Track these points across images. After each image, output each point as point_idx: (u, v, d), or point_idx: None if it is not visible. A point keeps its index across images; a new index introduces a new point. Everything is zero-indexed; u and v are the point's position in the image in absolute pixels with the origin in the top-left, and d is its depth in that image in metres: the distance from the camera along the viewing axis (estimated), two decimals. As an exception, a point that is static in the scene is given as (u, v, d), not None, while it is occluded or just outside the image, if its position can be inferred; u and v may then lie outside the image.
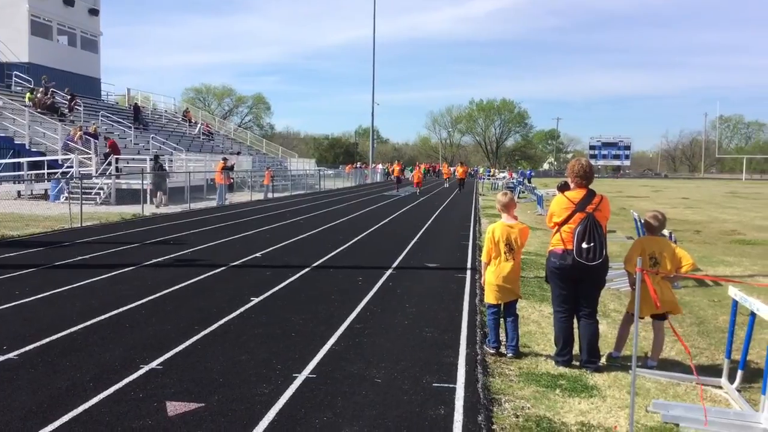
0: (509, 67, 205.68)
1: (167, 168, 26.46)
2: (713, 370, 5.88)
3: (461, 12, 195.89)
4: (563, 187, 6.06)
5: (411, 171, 65.16)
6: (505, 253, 6.13)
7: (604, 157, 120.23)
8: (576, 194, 5.77)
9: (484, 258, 6.30)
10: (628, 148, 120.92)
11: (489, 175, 61.50)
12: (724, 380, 5.51)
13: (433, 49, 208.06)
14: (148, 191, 23.43)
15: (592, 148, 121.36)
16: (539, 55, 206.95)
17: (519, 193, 35.76)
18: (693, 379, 5.61)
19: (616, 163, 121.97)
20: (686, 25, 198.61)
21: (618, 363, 5.98)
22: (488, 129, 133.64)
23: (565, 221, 5.72)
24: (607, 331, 7.05)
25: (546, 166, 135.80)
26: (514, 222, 6.24)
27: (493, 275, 6.15)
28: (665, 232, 10.35)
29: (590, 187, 5.83)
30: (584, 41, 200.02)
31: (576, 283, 5.76)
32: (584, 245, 5.54)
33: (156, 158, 25.34)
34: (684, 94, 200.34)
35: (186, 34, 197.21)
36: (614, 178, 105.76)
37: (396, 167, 45.03)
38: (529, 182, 48.31)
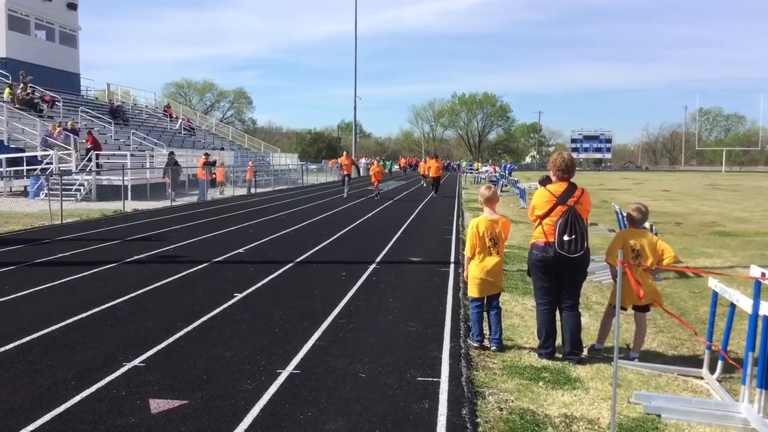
0: (491, 61, 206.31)
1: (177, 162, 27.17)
2: (694, 361, 5.94)
3: (442, 6, 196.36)
4: (545, 181, 6.10)
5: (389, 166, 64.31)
6: (489, 247, 6.15)
7: (586, 150, 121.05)
8: (558, 187, 5.81)
9: (468, 252, 6.30)
10: (609, 141, 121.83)
11: (471, 169, 61.55)
12: (704, 371, 5.58)
13: (414, 43, 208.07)
14: (167, 185, 25.10)
15: (573, 141, 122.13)
16: (520, 49, 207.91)
17: (501, 186, 35.89)
18: (674, 370, 5.68)
19: (598, 156, 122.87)
20: (665, 19, 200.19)
21: (601, 355, 6.03)
22: (470, 123, 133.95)
23: (547, 214, 5.76)
24: (590, 324, 7.10)
25: (528, 159, 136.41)
26: (496, 216, 6.26)
27: (477, 269, 6.17)
28: (646, 224, 10.46)
29: (572, 180, 5.87)
30: (564, 35, 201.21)
31: (558, 275, 5.80)
32: (566, 237, 5.58)
33: (171, 154, 27.23)
34: (664, 87, 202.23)
35: (166, 29, 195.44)
36: (596, 171, 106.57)
37: (344, 160, 30.10)
38: (510, 175, 48.49)
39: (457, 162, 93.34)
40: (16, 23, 35.14)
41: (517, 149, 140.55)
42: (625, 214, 6.41)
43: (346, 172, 29.36)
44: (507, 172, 53.93)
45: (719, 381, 5.37)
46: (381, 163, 61.54)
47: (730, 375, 5.48)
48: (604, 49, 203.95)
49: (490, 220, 6.20)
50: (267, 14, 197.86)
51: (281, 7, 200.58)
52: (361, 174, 46.55)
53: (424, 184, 37.70)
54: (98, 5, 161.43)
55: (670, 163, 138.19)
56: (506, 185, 37.77)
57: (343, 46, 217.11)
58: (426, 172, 36.40)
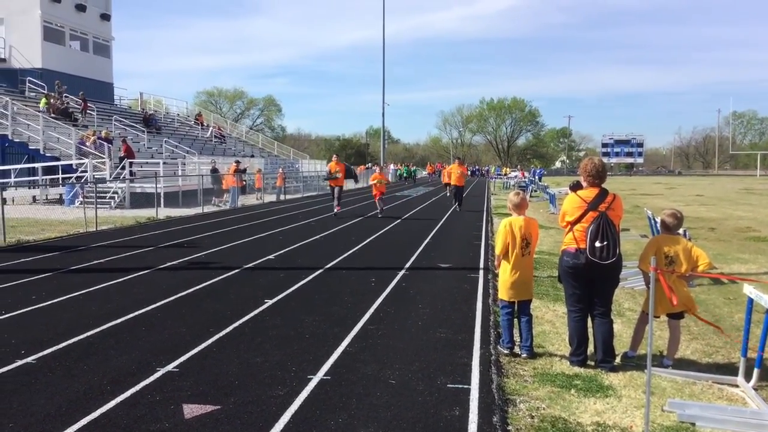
0: (519, 66, 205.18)
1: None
2: (729, 369, 5.84)
3: (471, 11, 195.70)
4: (576, 187, 6.04)
5: (410, 172, 61.09)
6: (522, 248, 6.13)
7: (617, 154, 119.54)
8: (589, 193, 5.76)
9: (498, 250, 6.17)
10: (641, 145, 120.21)
11: (499, 174, 61.24)
12: (740, 379, 5.47)
13: (443, 48, 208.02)
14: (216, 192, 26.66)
15: (604, 145, 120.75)
16: (549, 52, 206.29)
17: (531, 192, 35.65)
18: (709, 378, 5.59)
19: (629, 160, 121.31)
20: (698, 20, 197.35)
21: (633, 362, 5.96)
22: (499, 128, 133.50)
23: (578, 220, 5.71)
24: (622, 330, 7.03)
25: (558, 164, 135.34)
26: (529, 218, 6.27)
27: (508, 272, 6.13)
28: (680, 230, 10.30)
29: (603, 186, 5.82)
30: (595, 38, 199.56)
31: (589, 282, 5.74)
32: (597, 244, 5.53)
33: (213, 162, 29.40)
34: (696, 90, 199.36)
35: (197, 38, 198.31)
36: (627, 175, 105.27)
37: (332, 166, 22.09)
38: (540, 181, 48.12)
39: (486, 167, 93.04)
40: (52, 34, 35.93)
41: (547, 154, 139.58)
42: (658, 220, 6.33)
43: (335, 185, 21.27)
44: (537, 177, 53.58)
45: (755, 389, 5.26)
46: (404, 169, 58.12)
47: (767, 383, 5.38)
48: (634, 51, 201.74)
49: (524, 220, 6.18)
50: (295, 22, 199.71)
51: (309, 14, 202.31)
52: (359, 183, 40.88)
53: (447, 194, 31.89)
54: (131, 16, 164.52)
55: (704, 168, 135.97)
56: (536, 190, 37.52)
57: (371, 53, 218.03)
58: (448, 180, 29.08)
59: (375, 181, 22.19)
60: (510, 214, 6.39)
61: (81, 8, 38.11)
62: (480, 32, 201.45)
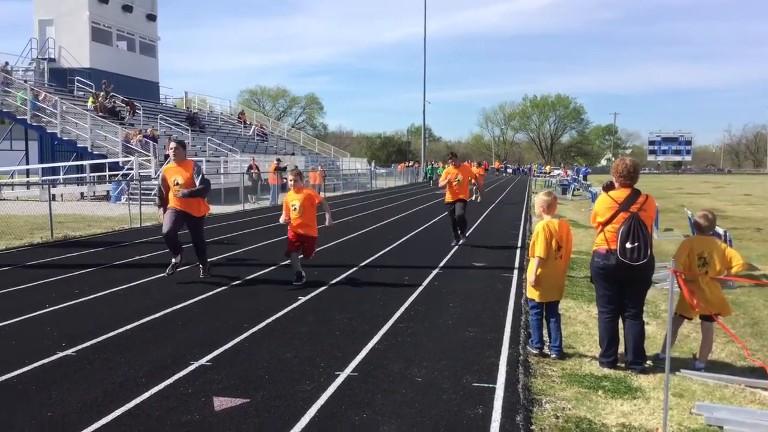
0: (564, 62, 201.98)
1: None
2: (764, 373, 5.72)
3: (513, 6, 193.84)
4: (608, 187, 6.00)
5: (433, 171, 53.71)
6: (556, 250, 6.11)
7: (664, 152, 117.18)
8: (620, 194, 5.71)
9: (541, 253, 6.04)
10: (689, 143, 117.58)
11: (541, 172, 60.57)
12: (774, 383, 5.37)
13: (485, 45, 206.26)
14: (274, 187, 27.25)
15: (651, 143, 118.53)
16: (595, 48, 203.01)
17: (573, 190, 35.22)
18: (741, 381, 5.50)
19: (677, 158, 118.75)
20: (747, 15, 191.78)
21: (664, 364, 5.88)
22: (542, 125, 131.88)
23: (609, 221, 5.67)
24: (656, 332, 6.96)
25: (603, 162, 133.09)
26: (562, 220, 6.25)
27: (541, 273, 6.10)
28: (719, 230, 10.12)
29: (635, 186, 5.77)
30: (641, 33, 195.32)
31: (621, 283, 5.70)
32: (628, 245, 5.48)
33: (278, 161, 29.53)
34: (747, 87, 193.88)
35: (241, 37, 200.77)
36: (675, 174, 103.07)
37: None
38: (585, 179, 47.46)
39: (528, 165, 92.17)
40: (99, 35, 36.86)
41: (592, 152, 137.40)
42: (692, 221, 6.23)
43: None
44: (582, 175, 52.87)
45: (791, 394, 5.17)
46: (428, 168, 54.40)
47: (803, 388, 5.27)
48: (683, 47, 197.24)
49: (558, 222, 6.16)
50: (338, 20, 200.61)
51: (352, 12, 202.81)
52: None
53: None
54: (176, 16, 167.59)
55: (754, 166, 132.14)
56: (578, 189, 37.05)
57: (413, 50, 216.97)
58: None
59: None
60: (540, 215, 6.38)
61: (128, 9, 38.99)
62: (522, 28, 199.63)
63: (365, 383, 5.29)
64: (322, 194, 31.70)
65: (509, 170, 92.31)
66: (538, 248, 6.09)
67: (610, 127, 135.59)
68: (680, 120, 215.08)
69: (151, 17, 42.16)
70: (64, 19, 35.75)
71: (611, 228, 5.64)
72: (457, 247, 13.32)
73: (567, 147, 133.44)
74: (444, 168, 17.57)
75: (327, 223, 9.77)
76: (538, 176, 57.40)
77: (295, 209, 9.36)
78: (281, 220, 9.50)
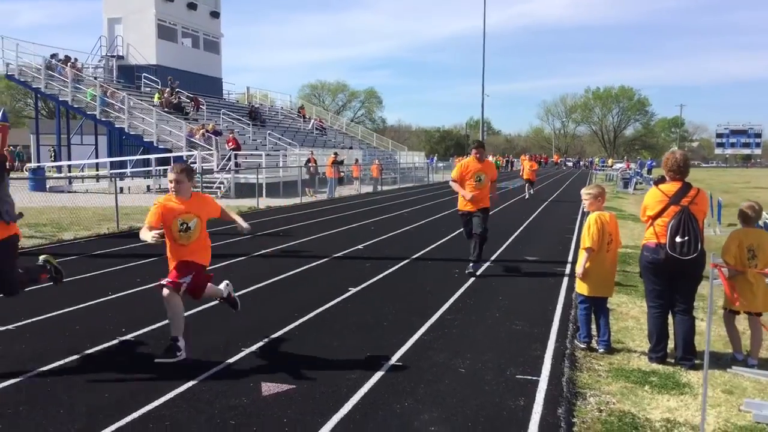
0: (628, 53, 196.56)
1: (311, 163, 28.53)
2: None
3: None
4: (659, 181, 5.91)
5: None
6: (606, 243, 6.06)
7: (733, 145, 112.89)
8: (670, 187, 5.62)
9: (591, 244, 5.98)
10: (759, 135, 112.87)
11: (603, 166, 59.26)
12: (833, 383, 5.21)
13: (546, 37, 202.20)
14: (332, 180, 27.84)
15: (719, 135, 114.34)
16: (660, 38, 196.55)
17: (635, 184, 34.39)
18: (798, 381, 5.34)
19: (746, 151, 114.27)
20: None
21: (737, 364, 5.74)
22: (605, 118, 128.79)
23: (659, 215, 5.59)
24: (714, 329, 6.80)
25: (688, 158, 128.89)
26: (611, 213, 6.20)
27: (591, 266, 6.05)
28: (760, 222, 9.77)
29: (686, 180, 5.66)
30: (709, 22, 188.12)
31: (670, 278, 5.61)
32: (678, 239, 5.39)
33: (336, 155, 29.71)
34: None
35: (301, 32, 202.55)
36: (744, 167, 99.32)
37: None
38: (649, 173, 46.22)
39: (590, 159, 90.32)
40: (165, 32, 37.92)
41: (657, 145, 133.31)
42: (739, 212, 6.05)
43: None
44: (647, 169, 51.54)
45: None
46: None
47: None
48: (754, 37, 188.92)
49: (609, 215, 6.12)
50: (396, 14, 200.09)
51: (410, 6, 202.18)
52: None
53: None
54: (239, 13, 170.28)
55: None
56: (640, 183, 36.15)
57: (471, 42, 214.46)
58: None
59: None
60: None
61: (192, 7, 39.97)
62: (585, 19, 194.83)
63: (409, 373, 5.37)
64: (379, 188, 32.02)
65: (569, 164, 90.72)
66: (588, 239, 6.03)
67: (676, 120, 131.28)
68: (750, 112, 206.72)
69: (215, 14, 43.11)
70: (131, 18, 36.92)
71: (661, 222, 5.56)
72: (512, 239, 13.24)
73: (631, 140, 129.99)
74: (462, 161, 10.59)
75: (241, 225, 7.13)
76: (599, 170, 56.16)
77: (183, 230, 6.15)
78: (148, 237, 5.97)
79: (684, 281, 5.62)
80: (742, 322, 6.09)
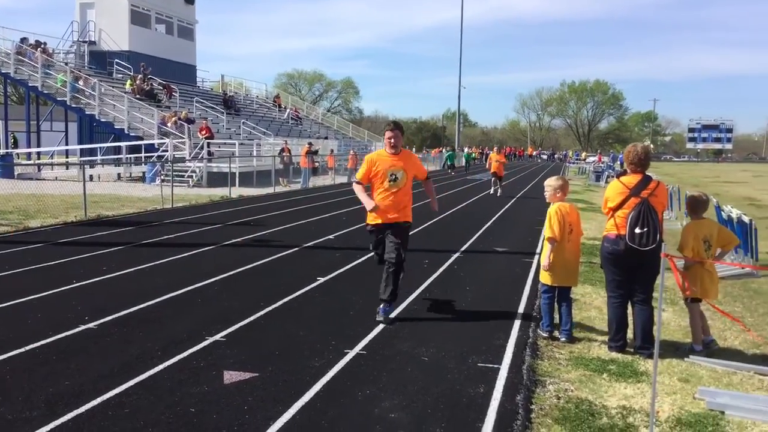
0: (603, 47, 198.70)
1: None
2: (777, 360, 5.70)
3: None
4: (622, 174, 6.01)
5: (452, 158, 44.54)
6: (568, 233, 6.15)
7: (704, 140, 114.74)
8: (631, 179, 5.72)
9: (553, 234, 6.05)
10: (730, 130, 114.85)
11: (578, 159, 59.79)
12: (785, 371, 5.35)
13: (523, 30, 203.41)
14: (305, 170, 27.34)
15: (691, 130, 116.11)
16: (636, 33, 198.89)
17: (606, 178, 34.76)
18: (751, 369, 5.48)
19: (717, 146, 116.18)
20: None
21: (702, 352, 5.85)
22: (580, 111, 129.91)
23: (620, 206, 5.68)
24: (671, 319, 6.96)
25: (650, 151, 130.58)
26: (571, 204, 6.30)
27: (554, 256, 6.14)
28: (744, 219, 9.99)
29: (647, 172, 5.77)
30: (684, 18, 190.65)
31: (630, 268, 5.71)
32: (637, 230, 5.49)
33: (310, 144, 29.62)
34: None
35: (279, 20, 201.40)
36: (715, 162, 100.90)
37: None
38: (622, 167, 46.70)
39: (565, 152, 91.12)
40: (138, 18, 37.39)
41: (630, 139, 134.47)
42: (727, 208, 6.23)
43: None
44: (619, 162, 52.04)
45: (800, 383, 5.14)
46: (447, 154, 45.91)
47: (813, 377, 5.24)
48: (727, 33, 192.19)
49: (568, 205, 6.21)
50: (375, 4, 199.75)
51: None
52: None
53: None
54: (215, 0, 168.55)
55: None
56: (612, 176, 36.54)
57: (450, 34, 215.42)
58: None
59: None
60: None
61: (166, -8, 39.48)
62: (563, 13, 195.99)
63: (373, 361, 5.41)
64: (354, 178, 31.92)
65: (543, 156, 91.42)
66: (549, 230, 6.14)
67: (650, 114, 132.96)
68: (722, 107, 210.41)
69: (190, 0, 42.58)
70: (104, 3, 36.34)
71: (621, 213, 5.66)
72: (482, 230, 13.35)
73: (605, 134, 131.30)
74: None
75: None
76: (573, 163, 56.67)
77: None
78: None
79: (643, 272, 5.72)
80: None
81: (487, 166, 26.52)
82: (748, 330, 6.48)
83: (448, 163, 44.26)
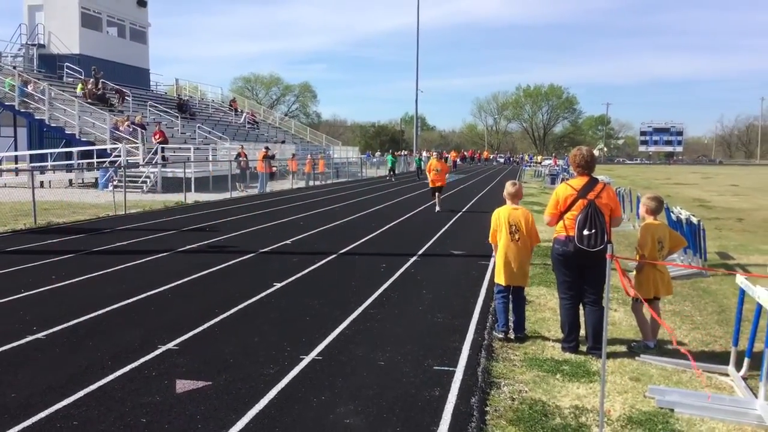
0: (558, 52, 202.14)
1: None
2: (724, 358, 5.84)
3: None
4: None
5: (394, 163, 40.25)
6: (510, 233, 6.26)
7: (656, 143, 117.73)
8: (578, 182, 5.84)
9: (490, 238, 6.51)
10: (680, 134, 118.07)
11: (531, 161, 60.64)
12: (730, 368, 5.49)
13: (479, 35, 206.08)
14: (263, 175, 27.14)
15: (643, 133, 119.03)
16: (589, 38, 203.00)
17: (561, 180, 35.34)
18: (700, 367, 5.61)
19: (668, 149, 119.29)
20: (742, 6, 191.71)
21: (653, 351, 5.97)
22: (535, 115, 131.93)
23: (568, 208, 5.78)
24: (623, 318, 7.09)
25: (596, 152, 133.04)
26: (518, 206, 6.41)
27: (502, 257, 6.28)
28: (693, 220, 10.23)
29: (592, 175, 5.89)
30: (636, 24, 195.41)
31: (579, 270, 5.82)
32: (585, 232, 5.60)
33: (267, 149, 29.12)
34: (741, 78, 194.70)
35: (235, 23, 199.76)
36: (666, 164, 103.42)
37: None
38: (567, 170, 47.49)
39: (520, 155, 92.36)
40: (89, 20, 36.62)
41: (584, 142, 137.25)
42: (645, 206, 6.36)
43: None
44: (565, 164, 52.94)
45: (745, 379, 5.28)
46: (389, 159, 41.00)
47: (757, 372, 5.38)
48: (677, 38, 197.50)
49: (511, 208, 6.33)
50: (333, 8, 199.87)
51: (346, 0, 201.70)
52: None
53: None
54: (168, 2, 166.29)
55: (746, 157, 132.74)
56: (567, 178, 37.16)
57: (408, 39, 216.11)
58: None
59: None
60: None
61: (118, -6, 38.75)
62: (518, 18, 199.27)
63: (328, 367, 5.38)
64: (312, 183, 31.83)
65: (500, 159, 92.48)
66: (490, 235, 6.50)
67: (603, 118, 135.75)
68: (673, 111, 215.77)
69: (142, 3, 41.87)
70: (53, 5, 35.52)
71: (570, 215, 5.76)
72: (440, 233, 13.42)
73: (560, 137, 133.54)
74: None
75: None
76: (528, 166, 57.41)
77: None
78: None
79: (592, 273, 5.83)
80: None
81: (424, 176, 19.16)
82: (671, 334, 6.63)
83: (389, 167, 40.63)
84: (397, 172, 40.48)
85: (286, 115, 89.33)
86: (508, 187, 6.49)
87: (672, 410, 4.67)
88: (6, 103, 29.67)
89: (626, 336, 6.46)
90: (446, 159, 53.60)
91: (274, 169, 30.69)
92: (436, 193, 18.93)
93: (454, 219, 16.74)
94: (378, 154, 70.27)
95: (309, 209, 18.92)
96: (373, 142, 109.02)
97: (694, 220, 10.20)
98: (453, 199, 23.28)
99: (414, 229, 14.51)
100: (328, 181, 34.91)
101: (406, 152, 71.08)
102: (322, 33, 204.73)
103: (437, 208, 18.51)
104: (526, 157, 77.05)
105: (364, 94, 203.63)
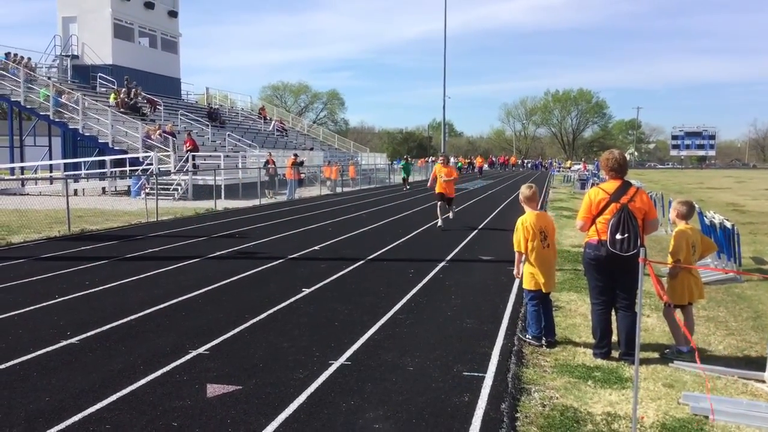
0: (587, 56, 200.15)
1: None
2: (760, 364, 5.72)
3: (537, 1, 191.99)
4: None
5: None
6: (541, 240, 6.19)
7: (688, 147, 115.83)
8: (610, 186, 5.76)
9: (518, 248, 6.31)
10: (713, 137, 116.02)
11: (561, 167, 60.09)
12: (767, 374, 5.37)
13: (508, 40, 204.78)
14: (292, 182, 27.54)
15: (674, 137, 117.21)
16: (618, 42, 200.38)
17: (591, 185, 34.99)
18: (735, 373, 5.50)
19: (701, 153, 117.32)
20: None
21: (686, 357, 5.86)
22: (564, 120, 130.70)
23: (600, 212, 5.71)
24: (656, 324, 6.97)
25: (627, 157, 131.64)
26: (541, 212, 6.38)
27: (535, 264, 6.20)
28: (727, 224, 10.05)
29: (625, 178, 5.81)
30: (665, 27, 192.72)
31: (612, 274, 5.74)
32: (618, 236, 5.52)
33: (296, 155, 29.71)
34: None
35: (263, 33, 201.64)
36: (698, 169, 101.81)
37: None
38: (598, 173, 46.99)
39: (549, 160, 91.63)
40: (121, 31, 37.29)
41: (614, 146, 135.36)
42: (676, 211, 6.26)
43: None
44: (596, 168, 52.38)
45: (782, 386, 5.17)
46: (402, 165, 37.64)
47: (795, 380, 5.26)
48: (709, 41, 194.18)
49: (536, 214, 6.26)
50: (359, 16, 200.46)
51: (373, 7, 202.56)
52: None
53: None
54: (199, 12, 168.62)
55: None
56: (597, 184, 36.75)
57: (435, 45, 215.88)
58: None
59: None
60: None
61: (149, 6, 39.38)
62: (546, 23, 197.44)
63: (357, 372, 5.38)
64: (339, 189, 31.96)
65: (528, 165, 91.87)
66: (516, 244, 6.32)
67: (633, 122, 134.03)
68: (705, 114, 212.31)
69: (173, 14, 42.55)
70: (87, 17, 36.24)
71: (602, 219, 5.69)
72: (468, 239, 13.35)
73: (589, 142, 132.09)
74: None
75: None
76: (557, 171, 56.93)
77: None
78: None
79: (625, 277, 5.74)
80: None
81: (429, 184, 17.13)
82: (689, 337, 6.50)
83: (403, 176, 37.04)
84: (411, 180, 36.70)
85: (314, 122, 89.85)
86: (524, 191, 6.42)
87: (706, 417, 4.58)
88: (41, 113, 30.30)
89: (659, 342, 6.36)
90: (458, 164, 47.70)
91: (303, 175, 30.87)
92: (444, 205, 15.98)
93: (483, 223, 16.63)
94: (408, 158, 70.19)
95: (336, 216, 18.99)
96: (400, 149, 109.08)
97: (728, 224, 10.01)
98: (481, 206, 23.16)
99: (442, 234, 14.46)
100: (356, 188, 34.99)
101: (432, 158, 70.88)
102: (349, 41, 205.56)
103: (443, 221, 15.77)
104: (555, 163, 76.40)
105: (391, 101, 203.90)
